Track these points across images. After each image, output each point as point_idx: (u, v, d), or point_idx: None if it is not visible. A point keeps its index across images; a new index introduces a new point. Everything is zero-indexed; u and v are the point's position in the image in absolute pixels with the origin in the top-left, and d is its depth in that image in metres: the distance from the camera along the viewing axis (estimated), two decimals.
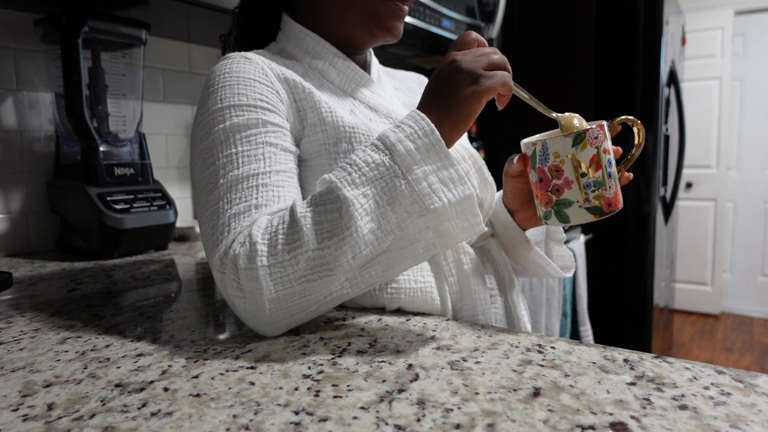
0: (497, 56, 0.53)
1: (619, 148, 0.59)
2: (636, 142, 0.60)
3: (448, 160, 0.50)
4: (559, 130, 0.61)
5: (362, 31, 0.68)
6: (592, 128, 0.53)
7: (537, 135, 0.62)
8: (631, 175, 0.61)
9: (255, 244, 0.49)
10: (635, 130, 0.60)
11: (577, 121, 0.58)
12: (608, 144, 0.55)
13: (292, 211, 0.50)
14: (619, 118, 0.59)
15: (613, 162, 0.56)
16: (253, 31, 0.76)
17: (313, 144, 0.62)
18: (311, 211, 0.49)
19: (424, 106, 0.54)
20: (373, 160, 0.50)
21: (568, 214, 0.56)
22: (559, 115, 0.58)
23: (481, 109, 0.53)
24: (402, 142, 0.50)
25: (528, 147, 0.58)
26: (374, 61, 0.77)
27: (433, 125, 0.50)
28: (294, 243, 0.48)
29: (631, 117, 0.59)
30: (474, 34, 0.56)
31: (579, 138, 0.53)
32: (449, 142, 0.52)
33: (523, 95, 0.57)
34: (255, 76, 0.60)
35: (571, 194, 0.55)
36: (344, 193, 0.48)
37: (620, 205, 0.56)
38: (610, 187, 0.54)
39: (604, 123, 0.55)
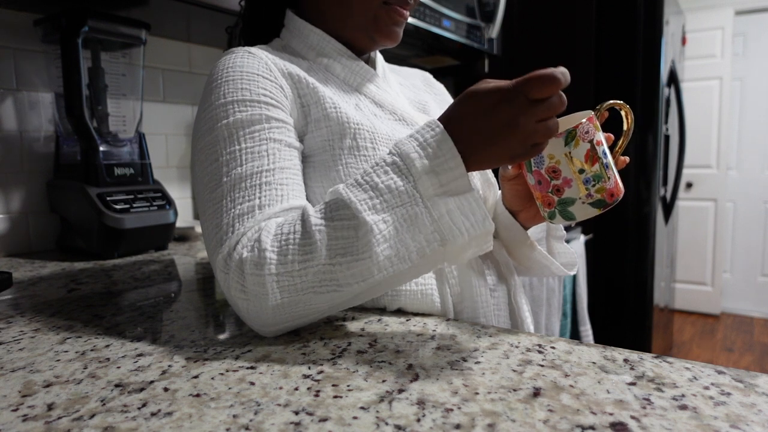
0: (551, 124, 0.47)
1: (611, 135, 0.58)
2: (625, 126, 0.60)
3: (471, 196, 0.48)
4: None
5: (361, 34, 0.68)
6: (582, 123, 0.53)
7: None
8: (627, 158, 0.60)
9: (264, 251, 0.48)
10: (623, 113, 0.59)
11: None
12: (600, 135, 0.54)
13: (305, 221, 0.49)
14: (605, 104, 0.57)
15: (608, 152, 0.55)
16: (258, 27, 0.76)
17: (316, 140, 0.61)
18: (326, 225, 0.48)
19: (458, 131, 0.49)
20: (396, 186, 0.48)
21: (573, 212, 0.55)
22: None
23: None
24: (428, 174, 0.48)
25: None
26: (379, 57, 0.77)
27: (463, 166, 0.48)
28: (306, 255, 0.48)
29: (618, 101, 0.58)
30: (561, 74, 0.45)
31: (570, 136, 0.52)
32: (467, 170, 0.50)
33: None
34: (258, 71, 0.60)
35: (572, 192, 0.54)
36: (364, 216, 0.47)
37: (622, 192, 0.55)
38: (609, 178, 0.54)
39: (592, 114, 0.54)
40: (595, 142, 0.53)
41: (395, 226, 0.47)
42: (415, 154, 0.48)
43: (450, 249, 0.49)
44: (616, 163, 0.58)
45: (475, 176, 0.70)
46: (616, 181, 0.55)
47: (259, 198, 0.53)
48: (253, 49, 0.63)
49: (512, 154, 0.48)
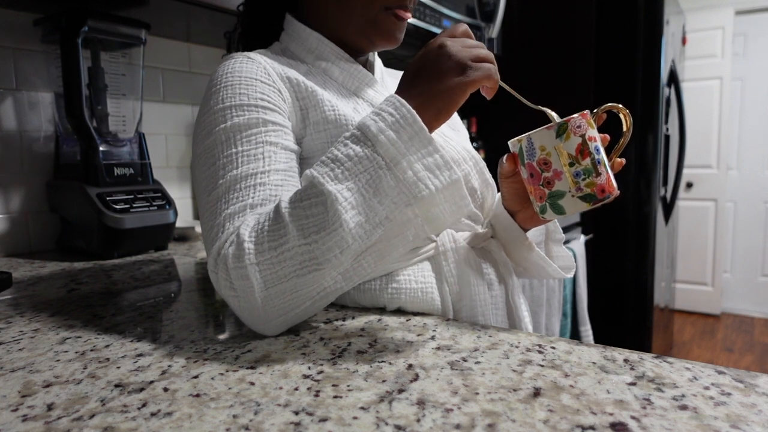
0: (484, 50, 0.53)
1: (607, 136, 0.59)
2: (624, 127, 0.60)
3: (432, 147, 0.49)
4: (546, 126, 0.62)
5: (361, 37, 0.68)
6: (574, 118, 0.54)
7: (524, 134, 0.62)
8: (623, 160, 0.61)
9: (242, 242, 0.49)
10: (621, 116, 0.60)
11: (556, 115, 0.58)
12: (593, 132, 0.55)
13: (277, 207, 0.50)
14: (603, 107, 0.59)
15: (601, 149, 0.56)
16: (257, 31, 0.76)
17: (316, 142, 0.62)
18: (295, 206, 0.49)
19: (405, 89, 0.53)
20: (355, 153, 0.49)
21: (563, 205, 0.56)
22: (544, 109, 0.59)
23: (465, 100, 0.52)
24: (384, 132, 0.49)
25: (514, 145, 0.58)
26: (377, 61, 0.77)
27: (414, 113, 0.49)
28: (279, 239, 0.48)
29: (616, 104, 0.59)
30: (464, 27, 0.55)
31: (562, 128, 0.54)
32: (430, 130, 0.51)
33: (510, 90, 0.59)
34: (257, 76, 0.60)
35: (562, 185, 0.55)
36: (327, 187, 0.48)
37: (614, 191, 0.56)
38: (600, 174, 0.55)
39: (587, 111, 0.56)
40: (587, 137, 0.54)
41: (361, 193, 0.48)
42: (370, 120, 0.50)
43: (421, 208, 0.49)
44: (612, 165, 0.59)
45: (474, 178, 0.70)
46: (608, 178, 0.55)
47: (252, 198, 0.53)
48: (252, 54, 0.63)
49: (451, 82, 0.51)
